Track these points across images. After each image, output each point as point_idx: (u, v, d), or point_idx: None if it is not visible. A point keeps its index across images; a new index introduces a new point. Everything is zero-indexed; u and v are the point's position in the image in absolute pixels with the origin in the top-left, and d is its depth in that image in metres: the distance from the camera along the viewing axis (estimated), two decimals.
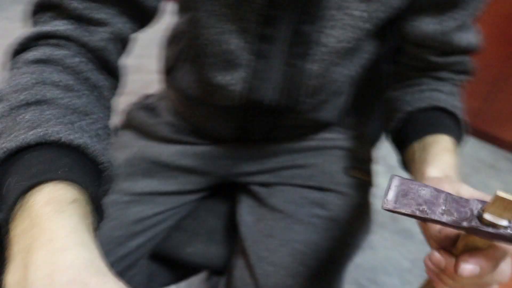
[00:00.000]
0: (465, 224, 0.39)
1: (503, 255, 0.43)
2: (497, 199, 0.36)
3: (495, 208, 0.37)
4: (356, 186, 0.76)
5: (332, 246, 0.70)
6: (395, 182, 0.41)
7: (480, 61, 0.71)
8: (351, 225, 0.73)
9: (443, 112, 0.65)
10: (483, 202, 0.40)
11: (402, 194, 0.40)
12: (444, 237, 0.45)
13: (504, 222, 0.37)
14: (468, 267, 0.41)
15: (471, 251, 0.42)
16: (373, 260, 1.50)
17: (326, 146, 0.79)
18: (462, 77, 0.70)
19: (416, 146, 0.62)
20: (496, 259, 0.42)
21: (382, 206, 0.39)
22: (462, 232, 0.42)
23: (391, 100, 0.72)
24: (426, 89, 0.67)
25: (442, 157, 0.56)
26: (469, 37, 0.65)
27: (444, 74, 0.68)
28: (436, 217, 0.39)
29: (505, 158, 2.15)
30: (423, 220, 0.41)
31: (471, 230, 0.39)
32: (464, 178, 0.47)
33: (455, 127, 0.64)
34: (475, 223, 0.38)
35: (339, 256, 0.72)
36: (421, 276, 0.77)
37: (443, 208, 0.40)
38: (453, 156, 0.57)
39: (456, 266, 0.42)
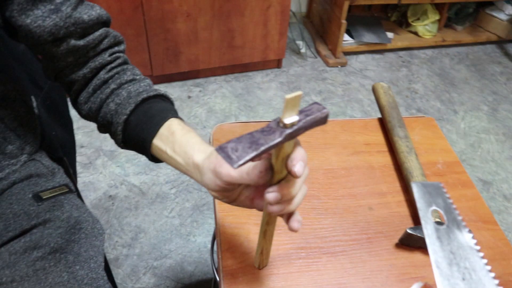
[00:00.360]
0: (281, 139, 0.47)
1: (303, 153, 0.52)
2: (287, 102, 0.46)
3: (289, 111, 0.47)
4: (58, 203, 0.78)
5: (79, 267, 0.72)
6: (221, 152, 0.48)
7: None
8: (76, 235, 0.75)
9: (150, 100, 0.71)
10: (275, 118, 0.49)
11: (233, 151, 0.47)
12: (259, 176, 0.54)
13: (297, 117, 0.48)
14: (299, 164, 0.51)
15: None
16: None
17: (2, 189, 0.77)
18: (120, 47, 0.76)
19: (158, 142, 0.67)
20: (305, 156, 0.52)
21: (233, 167, 0.46)
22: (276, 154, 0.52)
23: (95, 114, 0.74)
24: (119, 87, 0.72)
25: (191, 140, 0.65)
26: (96, 10, 0.70)
27: (109, 56, 0.74)
28: (266, 146, 0.47)
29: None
30: (261, 154, 0.48)
31: (287, 138, 0.48)
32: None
33: (169, 104, 0.73)
34: (286, 132, 0.48)
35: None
36: None
37: (263, 139, 0.48)
38: (193, 133, 0.67)
39: (291, 173, 0.51)
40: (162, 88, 2.41)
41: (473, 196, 0.90)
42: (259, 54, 2.56)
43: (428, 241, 0.76)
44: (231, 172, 0.55)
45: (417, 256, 0.77)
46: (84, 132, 2.15)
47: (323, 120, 0.52)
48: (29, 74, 0.91)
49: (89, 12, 0.69)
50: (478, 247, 0.76)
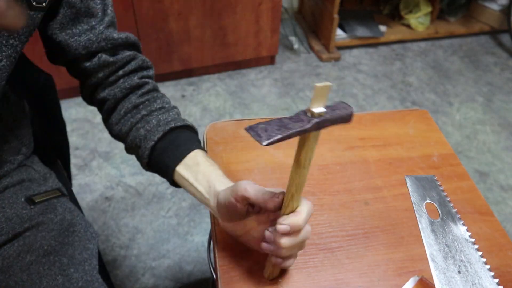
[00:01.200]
0: (309, 126, 0.49)
1: (306, 212, 0.59)
2: (317, 90, 0.48)
3: (317, 102, 0.49)
4: (51, 206, 0.78)
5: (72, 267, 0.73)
6: (251, 131, 0.49)
7: None
8: (70, 238, 0.76)
9: (178, 130, 0.76)
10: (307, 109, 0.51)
11: (263, 130, 0.49)
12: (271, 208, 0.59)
13: (324, 109, 0.50)
14: (283, 226, 0.57)
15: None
16: None
17: None
18: (149, 72, 0.85)
19: (182, 170, 0.72)
20: (300, 216, 0.57)
21: (263, 144, 0.47)
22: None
23: (124, 136, 0.79)
24: (149, 114, 0.78)
25: (215, 172, 0.70)
26: (126, 33, 0.79)
27: (137, 78, 0.81)
28: (294, 130, 0.49)
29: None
30: (289, 137, 0.49)
31: (314, 127, 0.50)
32: None
33: (194, 135, 0.79)
34: (314, 121, 0.50)
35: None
36: None
37: (291, 125, 0.50)
38: (217, 166, 0.72)
39: (276, 228, 0.57)
40: None
41: (469, 188, 0.90)
42: (252, 51, 2.55)
43: (423, 235, 0.76)
44: (247, 187, 0.59)
45: (414, 250, 0.77)
46: (79, 134, 2.14)
47: (348, 117, 0.55)
48: (21, 77, 0.91)
49: (119, 33, 0.77)
50: (473, 240, 0.76)
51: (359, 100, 2.50)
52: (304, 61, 2.80)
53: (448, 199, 0.86)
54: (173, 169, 0.72)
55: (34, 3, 0.64)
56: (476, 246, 0.76)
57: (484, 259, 0.74)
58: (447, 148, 0.99)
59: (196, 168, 0.71)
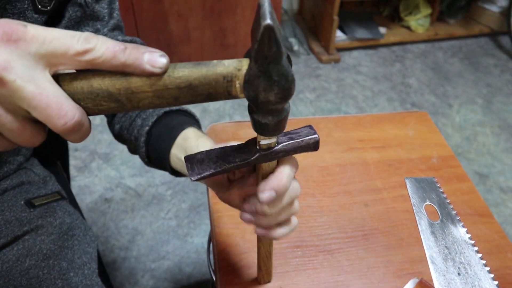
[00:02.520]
0: (252, 158, 0.46)
1: (288, 172, 0.49)
2: None
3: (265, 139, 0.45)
4: (51, 210, 0.78)
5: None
6: (187, 162, 0.47)
7: None
8: (69, 242, 0.76)
9: (170, 113, 0.74)
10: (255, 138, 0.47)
11: (198, 163, 0.47)
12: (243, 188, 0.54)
13: (274, 139, 0.45)
14: (266, 193, 0.47)
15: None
16: None
17: None
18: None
19: (175, 151, 0.68)
20: (284, 177, 0.48)
21: (191, 180, 0.45)
22: (256, 169, 0.50)
23: (125, 132, 0.79)
24: None
25: (201, 145, 0.64)
26: (132, 37, 0.78)
27: None
28: (233, 164, 0.46)
29: None
30: (225, 172, 0.47)
31: (259, 159, 0.46)
32: None
33: (187, 116, 0.76)
34: (258, 153, 0.46)
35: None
36: None
37: (233, 156, 0.47)
38: (205, 138, 0.66)
39: (258, 198, 0.48)
40: None
41: (468, 190, 0.90)
42: None
43: (422, 237, 0.76)
44: None
45: (414, 251, 0.77)
46: None
47: (311, 146, 0.49)
48: None
49: (124, 36, 0.76)
50: (472, 241, 0.76)
51: (358, 101, 2.50)
52: (304, 63, 2.80)
53: (448, 201, 0.86)
54: (169, 152, 0.69)
55: (39, 6, 0.64)
56: (476, 248, 0.76)
57: (484, 261, 0.74)
58: (446, 149, 0.99)
59: (185, 145, 0.67)
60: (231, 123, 1.00)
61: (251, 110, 0.42)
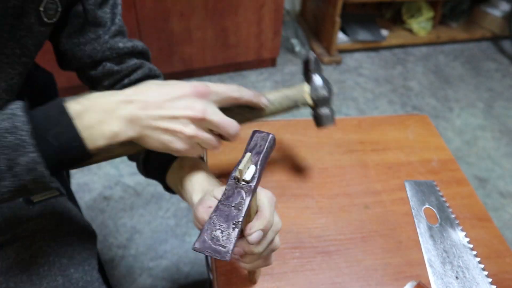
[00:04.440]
0: (249, 197, 0.49)
1: (270, 208, 0.55)
2: (246, 161, 0.49)
3: (246, 166, 0.50)
4: (50, 206, 0.78)
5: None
6: (203, 250, 0.46)
7: None
8: (69, 238, 0.76)
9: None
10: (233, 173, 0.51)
11: (214, 242, 0.46)
12: None
13: (253, 168, 0.50)
14: (254, 234, 0.53)
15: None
16: None
17: None
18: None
19: (170, 175, 0.72)
20: (267, 214, 0.54)
21: (227, 260, 0.45)
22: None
23: None
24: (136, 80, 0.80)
25: (193, 179, 0.67)
26: (133, 41, 0.79)
27: None
28: (244, 211, 0.48)
29: None
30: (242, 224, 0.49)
31: (253, 193, 0.50)
32: None
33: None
34: (250, 189, 0.49)
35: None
36: None
37: (234, 210, 0.48)
38: (199, 171, 0.68)
39: (247, 240, 0.53)
40: None
41: (468, 194, 0.90)
42: (253, 52, 2.56)
43: (421, 240, 0.76)
44: (204, 217, 0.56)
45: (412, 254, 0.77)
46: None
47: (273, 147, 0.55)
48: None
49: (125, 42, 0.77)
50: (471, 245, 0.76)
51: (359, 103, 2.50)
52: None
53: (447, 204, 0.85)
54: (165, 172, 0.72)
55: (45, 19, 0.64)
56: (474, 252, 0.75)
57: (482, 265, 0.74)
58: (446, 153, 0.98)
59: (181, 174, 0.70)
60: None
61: (315, 108, 0.83)
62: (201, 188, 0.65)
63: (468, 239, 0.78)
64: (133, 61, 0.79)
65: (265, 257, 0.60)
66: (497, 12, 3.13)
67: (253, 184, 0.49)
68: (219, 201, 0.49)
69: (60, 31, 0.72)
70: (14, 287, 0.68)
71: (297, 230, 0.79)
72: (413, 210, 0.83)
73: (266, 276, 0.71)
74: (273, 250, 0.60)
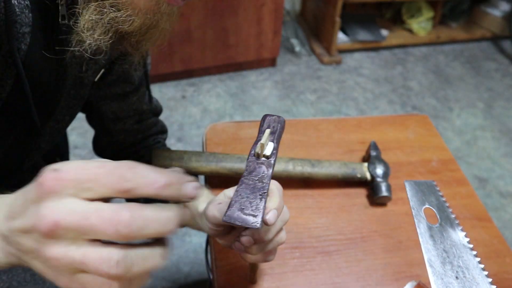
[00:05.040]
0: (271, 170, 0.51)
1: (279, 194, 0.56)
2: (265, 137, 0.51)
3: (265, 142, 0.52)
4: None
5: None
6: (231, 219, 0.46)
7: None
8: None
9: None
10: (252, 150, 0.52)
11: (243, 211, 0.46)
12: None
13: (271, 144, 0.52)
14: (270, 213, 0.51)
15: None
16: None
17: None
18: (164, 136, 0.91)
19: None
20: (277, 197, 0.55)
21: (259, 227, 0.45)
22: None
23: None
24: (144, 147, 0.87)
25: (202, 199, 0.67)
26: (154, 103, 0.88)
27: (152, 140, 0.88)
28: (269, 181, 0.49)
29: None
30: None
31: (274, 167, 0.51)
32: None
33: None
34: (271, 163, 0.51)
35: None
36: None
37: (258, 182, 0.49)
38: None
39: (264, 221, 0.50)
40: (156, 88, 2.40)
41: (467, 194, 0.90)
42: (253, 52, 2.56)
43: (421, 240, 0.76)
44: (215, 214, 0.57)
45: (412, 254, 0.77)
46: (79, 133, 2.14)
47: (284, 128, 0.56)
48: None
49: (149, 103, 0.84)
50: (471, 245, 0.76)
51: (359, 104, 2.50)
52: (305, 64, 2.80)
53: (447, 204, 0.85)
54: None
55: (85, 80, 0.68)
56: (474, 252, 0.75)
57: (482, 265, 0.74)
58: (446, 153, 0.98)
59: None
60: (231, 123, 1.00)
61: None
62: (207, 199, 0.65)
63: (468, 239, 0.78)
64: (151, 120, 0.87)
65: (269, 251, 0.59)
66: (497, 12, 3.13)
67: (272, 159, 0.50)
68: (243, 176, 0.50)
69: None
70: (17, 286, 0.68)
71: (297, 230, 0.79)
72: (413, 210, 0.83)
73: (266, 276, 0.71)
74: (279, 243, 0.59)
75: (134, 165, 0.36)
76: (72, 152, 2.01)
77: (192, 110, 2.34)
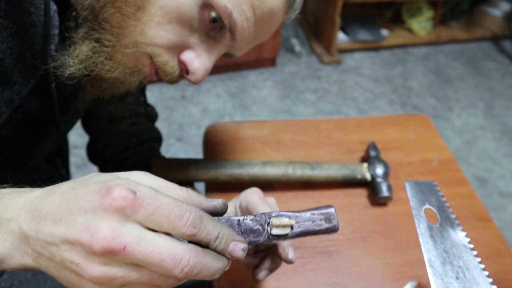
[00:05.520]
0: (260, 240, 0.44)
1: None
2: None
3: (279, 222, 0.44)
4: None
5: None
6: None
7: None
8: None
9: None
10: (269, 215, 0.45)
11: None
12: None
13: (287, 230, 0.45)
14: (262, 273, 0.57)
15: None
16: None
17: None
18: (159, 144, 0.91)
19: None
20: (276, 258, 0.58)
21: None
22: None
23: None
24: (139, 152, 0.86)
25: None
26: (149, 108, 0.89)
27: (147, 146, 0.88)
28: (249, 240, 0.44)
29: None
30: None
31: (267, 241, 0.45)
32: None
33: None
34: (267, 236, 0.44)
35: None
36: None
37: (241, 233, 0.43)
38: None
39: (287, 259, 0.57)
40: (156, 87, 2.40)
41: (468, 194, 0.90)
42: (253, 52, 2.55)
43: (421, 240, 0.75)
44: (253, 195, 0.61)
45: (412, 255, 0.77)
46: (78, 133, 2.14)
47: (326, 232, 0.47)
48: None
49: (144, 108, 0.86)
50: (471, 246, 0.76)
51: (359, 103, 2.50)
52: (305, 64, 2.80)
53: (447, 204, 0.85)
54: None
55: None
56: (475, 253, 0.75)
57: (483, 266, 0.73)
58: (447, 153, 0.98)
59: None
60: (231, 123, 1.00)
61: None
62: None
63: (468, 239, 0.78)
64: (146, 125, 0.88)
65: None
66: (497, 12, 3.13)
67: (274, 241, 0.45)
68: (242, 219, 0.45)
69: None
70: (19, 286, 0.68)
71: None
72: (413, 210, 0.83)
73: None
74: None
75: (202, 213, 0.38)
76: (72, 152, 2.01)
77: (192, 110, 2.34)
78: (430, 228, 0.79)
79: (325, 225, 0.47)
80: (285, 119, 1.02)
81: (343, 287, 0.71)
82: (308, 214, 0.46)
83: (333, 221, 0.47)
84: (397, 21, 3.17)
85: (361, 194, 0.87)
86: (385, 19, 3.20)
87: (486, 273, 0.73)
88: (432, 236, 0.77)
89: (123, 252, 0.34)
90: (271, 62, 2.73)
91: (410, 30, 3.09)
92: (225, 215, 0.46)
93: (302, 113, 2.41)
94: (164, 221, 0.35)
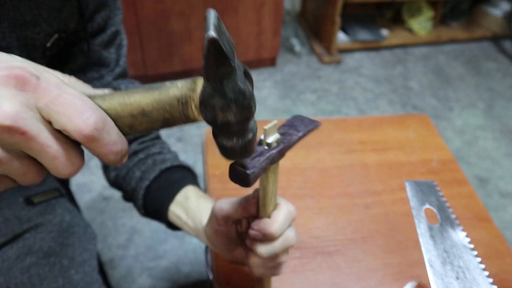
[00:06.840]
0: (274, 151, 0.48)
1: (281, 220, 0.53)
2: (267, 131, 0.47)
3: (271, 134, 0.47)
4: (50, 207, 0.77)
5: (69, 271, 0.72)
6: (231, 167, 0.45)
7: None
8: (69, 239, 0.75)
9: (174, 169, 0.77)
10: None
11: (245, 164, 0.45)
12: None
13: (276, 135, 0.48)
14: (252, 232, 0.52)
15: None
16: None
17: None
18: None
19: (174, 208, 0.72)
20: (275, 224, 0.52)
21: (249, 173, 0.43)
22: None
23: (121, 181, 0.80)
24: (146, 157, 0.78)
25: (201, 205, 0.68)
26: (135, 84, 0.82)
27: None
28: (274, 151, 0.48)
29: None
30: (270, 163, 0.48)
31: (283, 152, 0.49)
32: None
33: (186, 171, 0.78)
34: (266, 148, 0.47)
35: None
36: None
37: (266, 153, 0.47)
38: (206, 199, 0.70)
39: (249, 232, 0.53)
40: None
41: (468, 194, 0.90)
42: (253, 52, 2.55)
43: (421, 240, 0.75)
44: (222, 206, 0.56)
45: (412, 255, 0.76)
46: None
47: (308, 133, 0.53)
48: None
49: (126, 84, 0.79)
50: (471, 246, 0.75)
51: (359, 103, 2.50)
52: (305, 64, 2.80)
53: (447, 204, 0.85)
54: (167, 208, 0.72)
55: (47, 53, 0.65)
56: (475, 253, 0.75)
57: (483, 266, 0.73)
58: (447, 153, 0.98)
59: (186, 204, 0.71)
60: None
61: (214, 134, 0.40)
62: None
63: (468, 239, 0.78)
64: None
65: (277, 265, 0.58)
66: (497, 11, 3.13)
67: (273, 151, 0.47)
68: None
69: (62, 68, 0.72)
70: None
71: (297, 230, 0.79)
72: (413, 210, 0.83)
73: None
74: (288, 244, 0.57)
75: (108, 119, 0.35)
76: None
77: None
78: (430, 228, 0.79)
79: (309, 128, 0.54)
80: (285, 119, 1.01)
81: (343, 287, 0.71)
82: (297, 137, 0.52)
83: (314, 124, 0.54)
84: (397, 21, 3.16)
85: (361, 194, 0.87)
86: (385, 19, 3.20)
87: (486, 273, 0.73)
88: (432, 236, 0.77)
89: (21, 136, 0.32)
90: (271, 62, 2.73)
91: (410, 30, 3.09)
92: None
93: (302, 113, 2.40)
94: (62, 111, 0.33)
